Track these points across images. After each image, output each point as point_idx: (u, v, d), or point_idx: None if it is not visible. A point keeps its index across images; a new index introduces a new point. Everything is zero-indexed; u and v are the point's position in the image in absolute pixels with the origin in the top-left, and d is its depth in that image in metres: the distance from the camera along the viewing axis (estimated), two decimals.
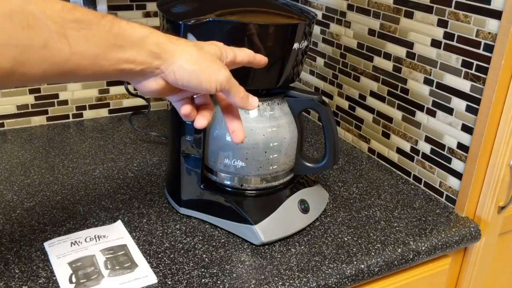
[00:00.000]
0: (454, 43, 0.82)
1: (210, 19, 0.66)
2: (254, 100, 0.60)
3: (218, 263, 0.70)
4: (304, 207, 0.78)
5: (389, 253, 0.74)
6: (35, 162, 0.93)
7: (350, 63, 1.04)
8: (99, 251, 0.70)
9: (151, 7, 1.11)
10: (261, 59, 0.62)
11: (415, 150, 0.93)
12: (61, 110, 1.10)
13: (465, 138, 0.82)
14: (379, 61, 0.97)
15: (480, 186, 0.83)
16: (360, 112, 1.04)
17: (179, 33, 0.69)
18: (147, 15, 1.11)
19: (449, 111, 0.84)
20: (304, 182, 0.82)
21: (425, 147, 0.90)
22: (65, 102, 1.10)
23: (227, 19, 0.67)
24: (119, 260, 0.68)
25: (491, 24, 0.75)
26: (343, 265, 0.71)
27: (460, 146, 0.83)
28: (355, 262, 0.72)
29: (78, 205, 0.81)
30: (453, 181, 0.86)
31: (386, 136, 0.99)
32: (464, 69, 0.81)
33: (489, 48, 0.76)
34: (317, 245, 0.75)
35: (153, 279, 0.66)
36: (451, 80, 0.83)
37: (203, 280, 0.66)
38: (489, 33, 0.76)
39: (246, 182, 0.76)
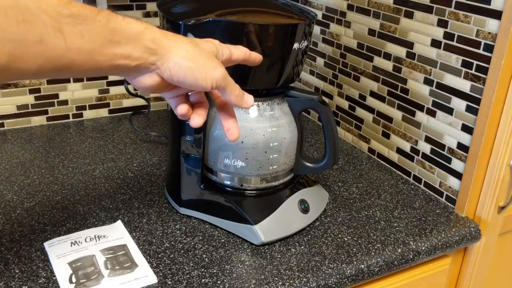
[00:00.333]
0: (454, 43, 0.82)
1: (210, 19, 0.66)
2: (249, 98, 0.59)
3: (218, 263, 0.70)
4: (304, 207, 0.78)
5: (389, 253, 0.74)
6: (35, 162, 0.93)
7: (350, 63, 1.04)
8: (99, 251, 0.70)
9: (151, 7, 1.11)
10: (256, 57, 0.62)
11: (415, 150, 0.93)
12: (61, 110, 1.10)
13: (465, 138, 0.82)
14: (379, 61, 0.97)
15: (480, 186, 0.83)
16: (360, 112, 1.04)
17: (179, 33, 0.68)
18: (147, 15, 1.11)
19: (449, 111, 0.84)
20: (304, 182, 0.82)
21: (425, 147, 0.90)
22: (65, 102, 1.10)
23: (227, 19, 0.67)
24: (119, 260, 0.68)
25: (491, 24, 0.75)
26: (343, 265, 0.71)
27: (460, 146, 0.83)
28: (355, 262, 0.72)
29: (78, 205, 0.81)
30: (453, 181, 0.86)
31: (386, 136, 0.99)
32: (464, 69, 0.81)
33: (489, 48, 0.76)
34: (317, 245, 0.75)
35: (153, 279, 0.66)
36: (451, 80, 0.83)
37: (203, 280, 0.66)
38: (489, 33, 0.76)
39: (246, 182, 0.76)
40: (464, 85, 0.81)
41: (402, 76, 0.92)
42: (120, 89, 1.14)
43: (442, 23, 0.83)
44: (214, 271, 0.68)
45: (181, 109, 0.58)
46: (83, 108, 1.12)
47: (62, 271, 0.66)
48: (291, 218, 0.76)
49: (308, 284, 0.67)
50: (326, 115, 0.74)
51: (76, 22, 0.47)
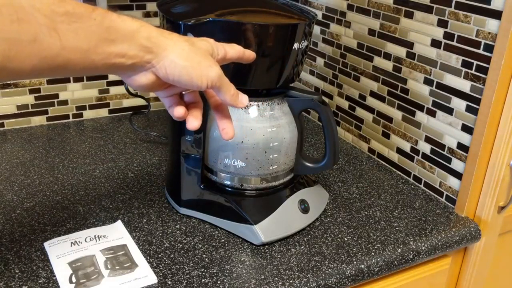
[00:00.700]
0: (454, 43, 0.82)
1: (210, 19, 0.66)
2: (244, 98, 0.59)
3: (218, 263, 0.70)
4: (304, 207, 0.78)
5: (389, 253, 0.74)
6: (35, 162, 0.93)
7: (350, 63, 1.04)
8: (99, 251, 0.70)
9: (151, 7, 1.11)
10: (250, 55, 0.62)
11: (415, 150, 0.93)
12: (61, 110, 1.10)
13: (465, 138, 0.82)
14: (379, 61, 0.97)
15: (480, 186, 0.83)
16: (360, 112, 1.04)
17: (179, 33, 0.68)
18: (147, 15, 1.11)
19: (449, 111, 0.84)
20: (304, 182, 0.82)
21: (425, 147, 0.90)
22: (65, 102, 1.10)
23: (227, 19, 0.67)
24: (119, 260, 0.68)
25: (491, 24, 0.75)
26: (343, 265, 0.71)
27: (460, 146, 0.83)
28: (355, 262, 0.72)
29: (78, 205, 0.81)
30: (453, 181, 0.86)
31: (386, 136, 0.99)
32: (464, 69, 0.81)
33: (489, 48, 0.76)
34: (317, 245, 0.75)
35: (153, 279, 0.66)
36: (451, 80, 0.83)
37: (203, 280, 0.66)
38: (489, 33, 0.76)
39: (246, 182, 0.76)
40: (464, 85, 0.81)
41: (402, 76, 0.92)
42: (120, 89, 1.14)
43: (442, 23, 0.83)
44: (214, 271, 0.68)
45: (178, 112, 0.58)
46: (83, 108, 1.12)
47: (62, 271, 0.66)
48: (291, 218, 0.76)
49: (308, 284, 0.67)
50: (326, 115, 0.74)
51: (71, 20, 0.46)
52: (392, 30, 0.93)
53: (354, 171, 0.97)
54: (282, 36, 0.69)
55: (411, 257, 0.76)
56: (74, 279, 0.65)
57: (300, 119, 0.77)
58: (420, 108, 0.90)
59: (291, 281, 0.67)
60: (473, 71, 0.79)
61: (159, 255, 0.70)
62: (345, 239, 0.76)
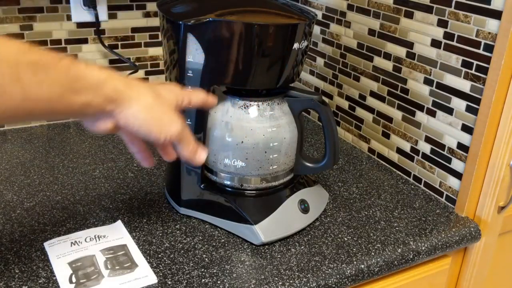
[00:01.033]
0: (454, 43, 0.82)
1: (210, 19, 0.66)
2: (202, 154, 0.61)
3: (218, 263, 0.70)
4: (304, 207, 0.78)
5: (389, 253, 0.74)
6: (35, 162, 0.93)
7: (350, 63, 1.04)
8: (99, 251, 0.70)
9: (151, 7, 1.11)
10: (212, 102, 0.65)
11: (415, 150, 0.93)
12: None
13: (465, 138, 0.82)
14: (379, 61, 0.97)
15: (480, 186, 0.83)
16: (360, 112, 1.04)
17: (179, 33, 0.69)
18: (147, 15, 1.11)
19: (449, 111, 0.84)
20: (304, 182, 0.82)
21: (425, 147, 0.90)
22: None
23: (227, 19, 0.67)
24: (119, 260, 0.68)
25: (491, 24, 0.75)
26: (343, 265, 0.71)
27: (460, 146, 0.83)
28: (355, 262, 0.72)
29: (78, 205, 0.81)
30: (453, 181, 0.86)
31: (386, 136, 0.99)
32: (464, 69, 0.81)
33: (489, 48, 0.76)
34: (317, 245, 0.75)
35: (153, 279, 0.66)
36: (451, 80, 0.83)
37: (203, 280, 0.66)
38: (489, 33, 0.76)
39: (246, 182, 0.76)
40: (464, 85, 0.81)
41: (402, 76, 0.92)
42: None
43: (442, 23, 0.83)
44: (214, 271, 0.68)
45: (139, 157, 0.62)
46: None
47: (62, 271, 0.66)
48: (291, 218, 0.76)
49: (308, 284, 0.67)
50: (326, 115, 0.74)
51: (36, 70, 0.45)
52: (392, 30, 0.93)
53: (354, 171, 0.97)
54: (282, 36, 0.69)
55: (411, 257, 0.76)
56: (74, 279, 0.65)
57: (300, 119, 0.77)
58: (420, 108, 0.90)
59: (291, 281, 0.67)
60: (473, 71, 0.79)
61: (159, 255, 0.70)
62: (345, 239, 0.76)
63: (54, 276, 0.65)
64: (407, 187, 0.93)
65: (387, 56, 0.95)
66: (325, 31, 1.10)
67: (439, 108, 0.86)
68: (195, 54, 0.69)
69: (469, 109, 0.81)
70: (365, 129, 1.04)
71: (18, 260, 0.68)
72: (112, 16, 1.08)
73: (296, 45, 0.70)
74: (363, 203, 0.86)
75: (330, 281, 0.69)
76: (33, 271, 0.66)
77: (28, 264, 0.67)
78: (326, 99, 1.09)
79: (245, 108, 0.73)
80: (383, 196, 0.89)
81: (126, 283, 0.65)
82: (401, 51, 0.92)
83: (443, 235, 0.79)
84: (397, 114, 0.95)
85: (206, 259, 0.70)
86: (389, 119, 0.97)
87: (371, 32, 0.97)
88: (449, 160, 0.86)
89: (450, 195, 0.87)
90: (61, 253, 0.69)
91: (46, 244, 0.71)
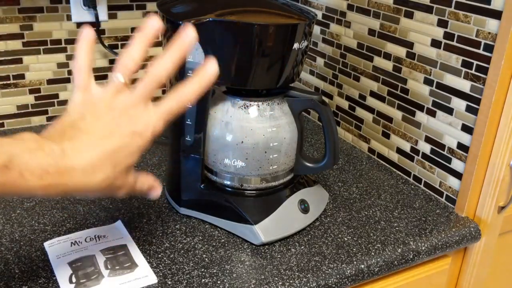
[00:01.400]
0: (454, 43, 0.82)
1: (210, 19, 0.66)
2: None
3: (218, 263, 0.70)
4: (304, 207, 0.78)
5: (389, 253, 0.74)
6: None
7: (350, 63, 1.04)
8: (99, 251, 0.70)
9: (151, 7, 1.11)
10: (157, 191, 0.57)
11: (415, 150, 0.93)
12: (61, 110, 1.10)
13: (465, 138, 0.82)
14: (379, 61, 0.97)
15: (480, 186, 0.83)
16: (360, 112, 1.04)
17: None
18: (147, 15, 1.11)
19: (449, 111, 0.84)
20: (304, 182, 0.82)
21: (425, 147, 0.90)
22: (65, 102, 1.10)
23: (227, 19, 0.67)
24: (119, 260, 0.68)
25: (491, 24, 0.75)
26: (343, 265, 0.71)
27: (460, 146, 0.83)
28: (355, 262, 0.72)
29: (78, 205, 0.81)
30: (453, 181, 0.86)
31: (386, 136, 0.99)
32: (464, 69, 0.81)
33: (489, 48, 0.76)
34: (317, 245, 0.75)
35: (153, 279, 0.66)
36: (451, 80, 0.83)
37: (203, 280, 0.66)
38: (489, 33, 0.76)
39: (246, 182, 0.76)
40: (464, 85, 0.81)
41: (402, 76, 0.92)
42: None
43: (442, 23, 0.83)
44: (214, 271, 0.68)
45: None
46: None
47: (62, 271, 0.66)
48: (291, 218, 0.76)
49: (308, 284, 0.67)
50: (326, 115, 0.74)
51: None
52: (392, 30, 0.93)
53: (354, 171, 0.97)
54: (282, 36, 0.69)
55: (411, 257, 0.76)
56: (74, 279, 0.64)
57: (300, 119, 0.77)
58: (420, 108, 0.90)
59: (291, 281, 0.67)
60: (473, 71, 0.79)
61: (159, 255, 0.70)
62: (345, 239, 0.76)
63: (54, 276, 0.65)
64: (407, 187, 0.93)
65: (387, 56, 0.95)
66: (325, 31, 1.10)
67: (439, 108, 0.86)
68: (195, 54, 0.69)
69: (469, 109, 0.81)
70: (365, 129, 1.04)
71: (18, 260, 0.68)
72: (112, 16, 1.08)
73: (296, 45, 0.70)
74: (363, 203, 0.86)
75: (330, 281, 0.69)
76: (33, 271, 0.66)
77: (28, 264, 0.67)
78: (326, 99, 1.09)
79: (245, 108, 0.73)
80: (383, 196, 0.89)
81: (126, 283, 0.65)
82: (401, 51, 0.92)
83: (443, 235, 0.79)
84: (397, 114, 0.95)
85: (206, 259, 0.70)
86: (389, 119, 0.97)
87: (371, 32, 0.97)
88: (449, 160, 0.86)
89: (450, 195, 0.87)
90: (61, 253, 0.69)
91: (46, 244, 0.71)
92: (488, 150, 0.80)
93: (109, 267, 0.67)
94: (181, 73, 0.71)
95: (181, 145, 0.77)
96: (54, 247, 0.70)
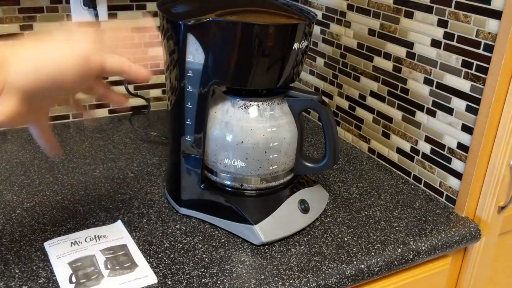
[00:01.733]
0: (454, 43, 0.82)
1: (210, 19, 0.66)
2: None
3: (218, 263, 0.70)
4: (304, 207, 0.78)
5: (389, 253, 0.74)
6: (35, 162, 0.93)
7: (350, 63, 1.04)
8: (99, 251, 0.70)
9: (151, 7, 1.11)
10: (142, 74, 0.57)
11: (415, 150, 0.93)
12: (61, 110, 1.10)
13: (465, 138, 0.82)
14: (379, 61, 0.97)
15: (480, 186, 0.83)
16: (360, 112, 1.04)
17: (179, 33, 0.69)
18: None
19: (449, 111, 0.84)
20: (304, 182, 0.82)
21: (425, 147, 0.90)
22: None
23: (227, 19, 0.67)
24: (119, 260, 0.68)
25: (491, 24, 0.75)
26: (343, 265, 0.71)
27: (460, 146, 0.83)
28: (355, 262, 0.72)
29: (78, 205, 0.81)
30: (453, 181, 0.86)
31: (386, 136, 0.99)
32: (464, 69, 0.81)
33: (489, 48, 0.76)
34: (317, 245, 0.75)
35: (153, 279, 0.66)
36: (451, 80, 0.83)
37: (203, 280, 0.66)
38: (489, 33, 0.76)
39: (246, 182, 0.76)
40: (464, 85, 0.81)
41: (402, 76, 0.93)
42: (120, 89, 1.14)
43: (442, 23, 0.83)
44: (214, 271, 0.68)
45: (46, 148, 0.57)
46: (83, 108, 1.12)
47: (62, 271, 0.66)
48: (291, 218, 0.76)
49: (308, 284, 0.67)
50: (326, 115, 0.74)
51: None
52: (392, 30, 0.93)
53: (354, 171, 0.97)
54: (282, 36, 0.69)
55: (411, 257, 0.76)
56: (74, 279, 0.65)
57: (300, 119, 0.77)
58: (420, 108, 0.90)
59: (291, 281, 0.67)
60: (473, 71, 0.79)
61: (159, 255, 0.70)
62: (345, 239, 0.77)
63: (54, 276, 0.65)
64: (407, 187, 0.93)
65: (387, 56, 0.95)
66: (325, 31, 1.10)
67: (439, 108, 0.86)
68: (195, 54, 0.69)
69: (469, 109, 0.81)
70: (365, 129, 1.04)
71: (18, 260, 0.68)
72: (112, 16, 1.08)
73: (296, 45, 0.70)
74: (363, 203, 0.86)
75: (330, 281, 0.69)
76: (33, 271, 0.66)
77: (28, 264, 0.67)
78: (326, 99, 1.09)
79: (245, 108, 0.73)
80: (383, 196, 0.89)
81: (126, 283, 0.65)
82: (401, 51, 0.92)
83: (443, 235, 0.79)
84: (397, 114, 0.95)
85: (206, 259, 0.70)
86: (389, 119, 0.97)
87: (371, 32, 0.97)
88: (449, 160, 0.86)
89: (450, 195, 0.87)
90: (61, 253, 0.69)
91: (46, 244, 0.71)
92: (488, 150, 0.81)
93: (109, 267, 0.67)
94: (180, 73, 0.71)
95: (181, 145, 0.77)
96: (54, 247, 0.70)
